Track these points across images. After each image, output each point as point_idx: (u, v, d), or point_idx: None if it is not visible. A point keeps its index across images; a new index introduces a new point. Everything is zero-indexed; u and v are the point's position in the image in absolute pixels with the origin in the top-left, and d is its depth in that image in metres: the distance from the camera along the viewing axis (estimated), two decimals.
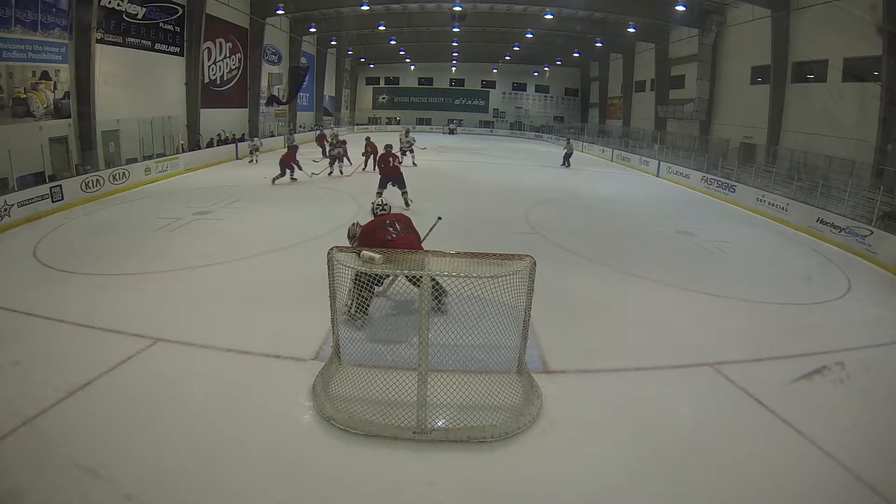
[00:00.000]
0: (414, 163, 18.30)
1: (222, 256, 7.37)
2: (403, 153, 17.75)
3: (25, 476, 3.02)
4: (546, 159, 24.02)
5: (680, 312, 6.09)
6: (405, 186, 10.97)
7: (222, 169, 17.18)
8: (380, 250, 4.10)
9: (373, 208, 5.91)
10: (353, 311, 4.86)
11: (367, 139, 16.76)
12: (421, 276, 3.46)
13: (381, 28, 28.64)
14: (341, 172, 15.51)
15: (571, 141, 24.02)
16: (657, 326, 5.59)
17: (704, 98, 22.08)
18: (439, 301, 4.82)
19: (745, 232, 11.14)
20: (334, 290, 3.93)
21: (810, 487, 3.27)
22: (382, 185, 10.97)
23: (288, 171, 14.11)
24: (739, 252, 9.31)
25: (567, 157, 21.62)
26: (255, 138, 20.62)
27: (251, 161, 18.87)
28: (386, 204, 5.82)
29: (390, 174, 11.01)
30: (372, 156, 15.55)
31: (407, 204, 10.76)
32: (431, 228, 6.32)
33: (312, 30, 28.04)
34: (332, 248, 4.00)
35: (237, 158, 19.67)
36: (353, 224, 5.82)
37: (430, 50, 37.02)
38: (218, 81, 21.48)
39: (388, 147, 11.62)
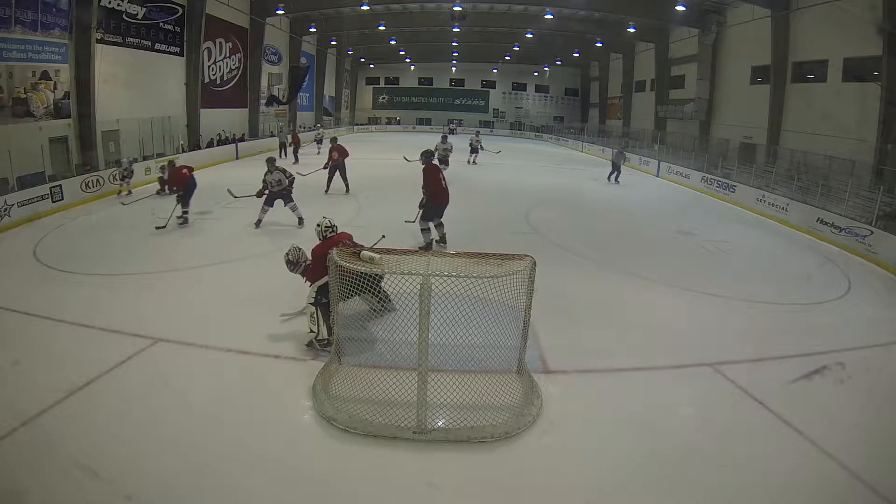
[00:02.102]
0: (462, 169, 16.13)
1: (222, 256, 7.38)
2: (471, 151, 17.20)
3: (25, 476, 3.03)
4: (547, 160, 24.00)
5: (680, 312, 6.09)
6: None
7: (222, 169, 17.17)
8: (378, 250, 4.10)
9: (321, 231, 5.01)
10: (320, 336, 4.59)
11: (334, 141, 12.64)
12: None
13: (381, 28, 28.67)
14: (299, 221, 9.09)
15: (624, 150, 18.27)
16: (657, 326, 5.58)
17: (704, 98, 22.09)
18: (385, 304, 4.71)
19: (745, 232, 11.14)
20: (335, 290, 3.93)
21: (810, 487, 3.27)
22: (430, 217, 7.59)
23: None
24: (739, 252, 9.31)
25: (617, 168, 16.77)
26: (126, 159, 12.50)
27: (121, 192, 12.03)
28: (334, 225, 5.09)
29: (444, 202, 7.59)
30: (339, 169, 12.32)
31: (444, 240, 7.85)
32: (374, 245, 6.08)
33: (312, 30, 28.06)
34: (332, 249, 4.01)
35: (237, 158, 19.67)
36: (295, 248, 5.04)
37: (430, 50, 37.05)
38: (218, 81, 21.48)
39: (428, 156, 7.67)
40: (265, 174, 8.94)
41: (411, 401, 3.57)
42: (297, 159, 18.52)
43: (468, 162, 19.11)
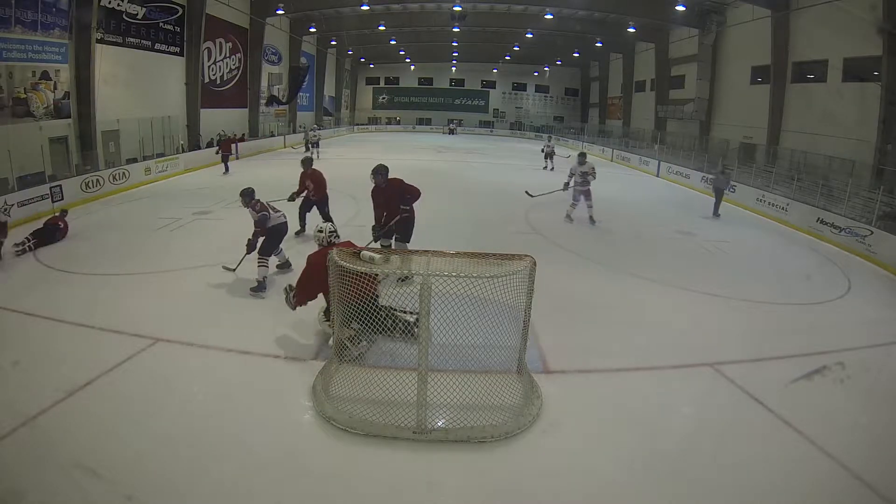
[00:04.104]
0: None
1: (222, 256, 7.36)
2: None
3: (25, 476, 3.02)
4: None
5: (680, 312, 6.09)
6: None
7: (222, 169, 17.15)
8: (379, 250, 4.10)
9: (325, 238, 4.85)
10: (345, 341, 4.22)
11: (307, 165, 8.56)
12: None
13: (381, 28, 28.68)
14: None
15: (727, 170, 13.28)
16: (657, 326, 5.58)
17: (704, 98, 22.09)
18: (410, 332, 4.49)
19: (745, 232, 11.13)
20: (335, 290, 3.93)
21: (810, 487, 3.27)
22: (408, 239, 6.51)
23: None
24: (739, 252, 9.30)
25: (720, 195, 12.37)
26: None
27: None
28: (335, 230, 5.00)
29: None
30: (318, 206, 8.47)
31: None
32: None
33: (312, 30, 28.07)
34: (332, 249, 4.00)
35: (236, 158, 19.66)
36: (289, 287, 5.04)
37: (430, 50, 37.06)
38: (218, 81, 21.49)
39: (384, 171, 6.33)
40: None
41: (411, 401, 3.57)
42: (227, 169, 16.08)
43: (545, 168, 19.05)
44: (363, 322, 4.04)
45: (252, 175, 15.23)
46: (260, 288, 6.10)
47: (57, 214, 8.59)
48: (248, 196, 6.56)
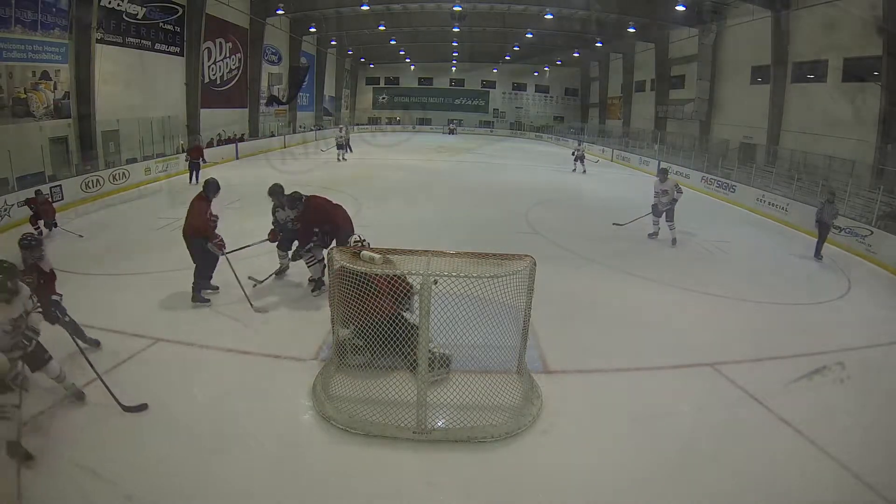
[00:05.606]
0: None
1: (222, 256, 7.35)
2: None
3: (25, 476, 3.02)
4: (547, 160, 23.99)
5: (680, 312, 6.09)
6: None
7: (222, 169, 17.16)
8: (379, 250, 4.10)
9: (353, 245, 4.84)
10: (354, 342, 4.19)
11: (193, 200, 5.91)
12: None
13: (381, 28, 28.68)
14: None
15: (833, 199, 9.47)
16: (657, 326, 5.58)
17: (704, 98, 22.09)
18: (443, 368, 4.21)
19: (745, 232, 11.13)
20: (335, 290, 3.93)
21: (810, 487, 3.27)
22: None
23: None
24: (739, 252, 9.30)
25: (825, 231, 9.30)
26: None
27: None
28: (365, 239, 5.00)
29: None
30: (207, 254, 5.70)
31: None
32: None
33: (312, 30, 28.06)
34: (331, 249, 4.00)
35: (237, 158, 19.68)
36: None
37: (430, 50, 37.04)
38: (218, 81, 21.49)
39: (297, 197, 5.92)
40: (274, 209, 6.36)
41: (411, 401, 3.57)
42: (192, 178, 13.57)
43: (573, 171, 19.57)
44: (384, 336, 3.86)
45: (225, 180, 15.18)
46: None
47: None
48: (280, 195, 6.26)
